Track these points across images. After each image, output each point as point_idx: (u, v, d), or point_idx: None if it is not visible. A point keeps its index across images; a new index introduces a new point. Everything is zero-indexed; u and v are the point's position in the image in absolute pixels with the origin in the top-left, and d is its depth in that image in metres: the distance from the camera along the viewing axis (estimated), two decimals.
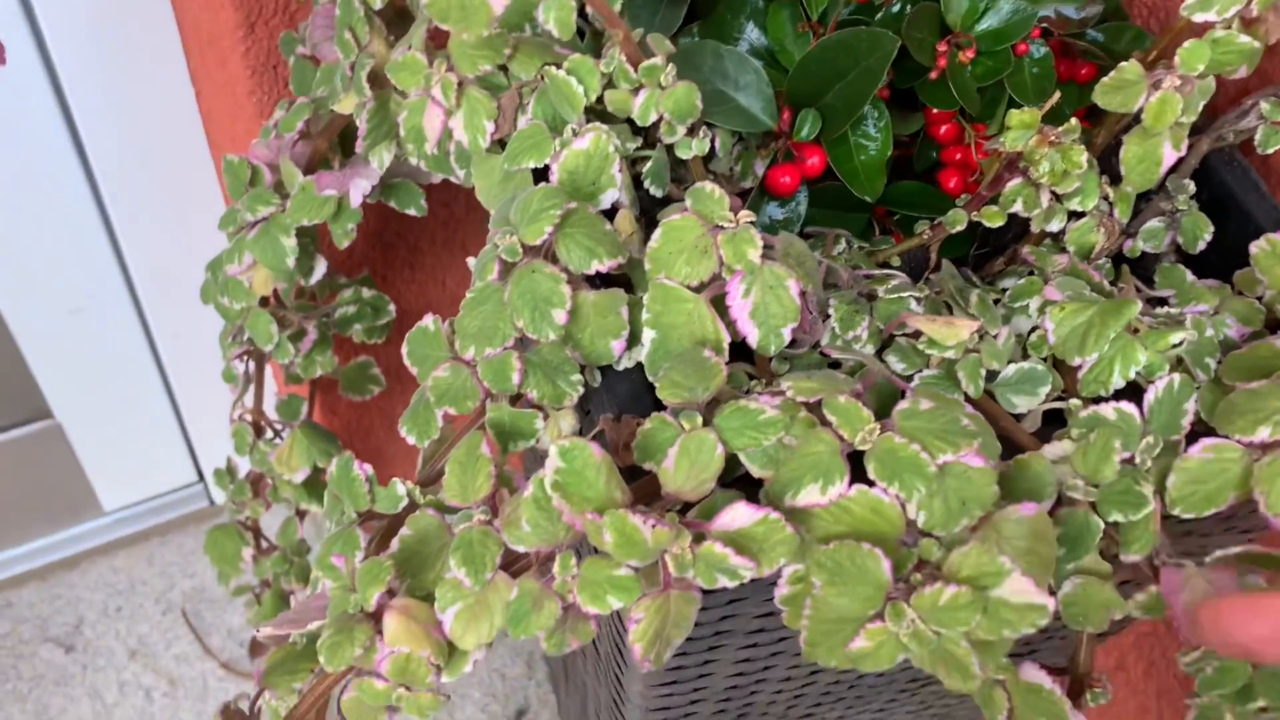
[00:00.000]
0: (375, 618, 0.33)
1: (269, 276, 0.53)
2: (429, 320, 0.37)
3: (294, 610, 0.36)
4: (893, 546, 0.32)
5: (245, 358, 0.64)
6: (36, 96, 0.73)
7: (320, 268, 0.55)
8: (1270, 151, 0.48)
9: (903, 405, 0.33)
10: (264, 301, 0.57)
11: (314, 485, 0.72)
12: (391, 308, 0.63)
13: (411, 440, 0.38)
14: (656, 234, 0.36)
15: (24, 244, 0.81)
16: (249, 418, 0.68)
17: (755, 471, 0.34)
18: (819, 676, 0.52)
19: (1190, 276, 0.45)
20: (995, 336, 0.39)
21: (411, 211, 0.53)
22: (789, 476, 0.33)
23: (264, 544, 0.78)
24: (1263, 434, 0.34)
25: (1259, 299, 0.43)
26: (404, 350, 0.38)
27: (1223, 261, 0.46)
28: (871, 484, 0.32)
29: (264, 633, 0.35)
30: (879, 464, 0.32)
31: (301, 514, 0.76)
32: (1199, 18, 0.38)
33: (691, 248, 0.36)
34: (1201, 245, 0.46)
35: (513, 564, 0.33)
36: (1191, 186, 0.47)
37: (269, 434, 0.70)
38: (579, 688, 0.75)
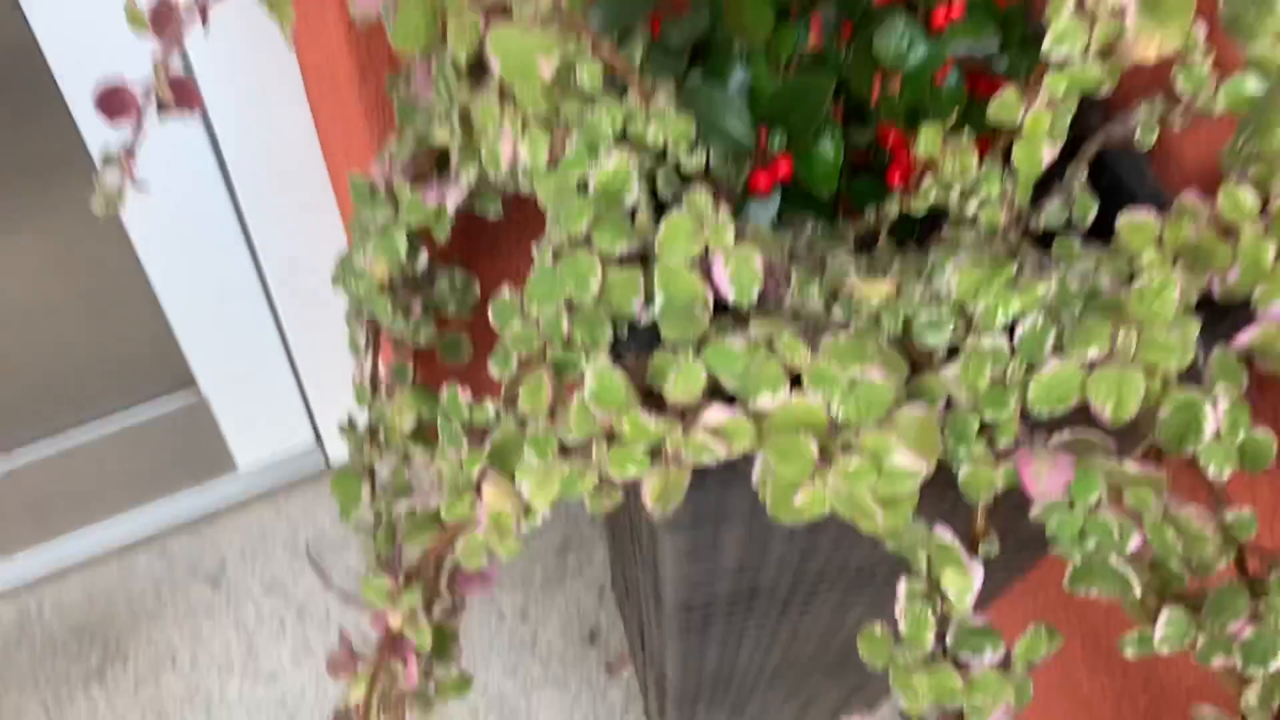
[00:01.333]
0: (477, 489, 0.49)
1: (387, 265, 0.70)
2: (506, 292, 0.54)
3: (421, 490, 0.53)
4: (821, 434, 0.47)
5: (366, 330, 0.81)
6: (192, 130, 0.91)
7: (423, 258, 0.72)
8: (1148, 146, 0.62)
9: (827, 338, 0.48)
10: (381, 286, 0.74)
11: (418, 434, 0.89)
12: (476, 288, 0.80)
13: (495, 375, 0.54)
14: (662, 227, 0.52)
15: (178, 243, 1.00)
16: (369, 380, 0.85)
17: (729, 388, 0.49)
18: (809, 564, 0.67)
19: (1078, 245, 0.59)
20: (913, 293, 0.54)
21: (491, 215, 0.70)
22: (750, 387, 0.48)
23: (378, 487, 0.95)
24: (1092, 353, 0.49)
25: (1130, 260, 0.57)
26: (490, 313, 0.54)
27: (1111, 231, 0.60)
28: (803, 389, 0.48)
29: (406, 505, 0.52)
30: (809, 377, 0.47)
31: (406, 460, 0.93)
32: (1056, 56, 0.52)
33: (687, 235, 0.51)
34: (1090, 220, 0.60)
35: (566, 452, 0.49)
36: (1084, 174, 0.61)
37: (383, 393, 0.87)
38: (635, 602, 0.91)
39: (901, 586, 0.54)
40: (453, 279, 0.79)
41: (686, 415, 0.49)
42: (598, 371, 0.48)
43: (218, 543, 1.25)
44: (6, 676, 1.13)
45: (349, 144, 0.87)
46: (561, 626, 1.21)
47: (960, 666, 0.53)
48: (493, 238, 0.90)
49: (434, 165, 0.69)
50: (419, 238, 0.71)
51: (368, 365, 0.85)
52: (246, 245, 1.04)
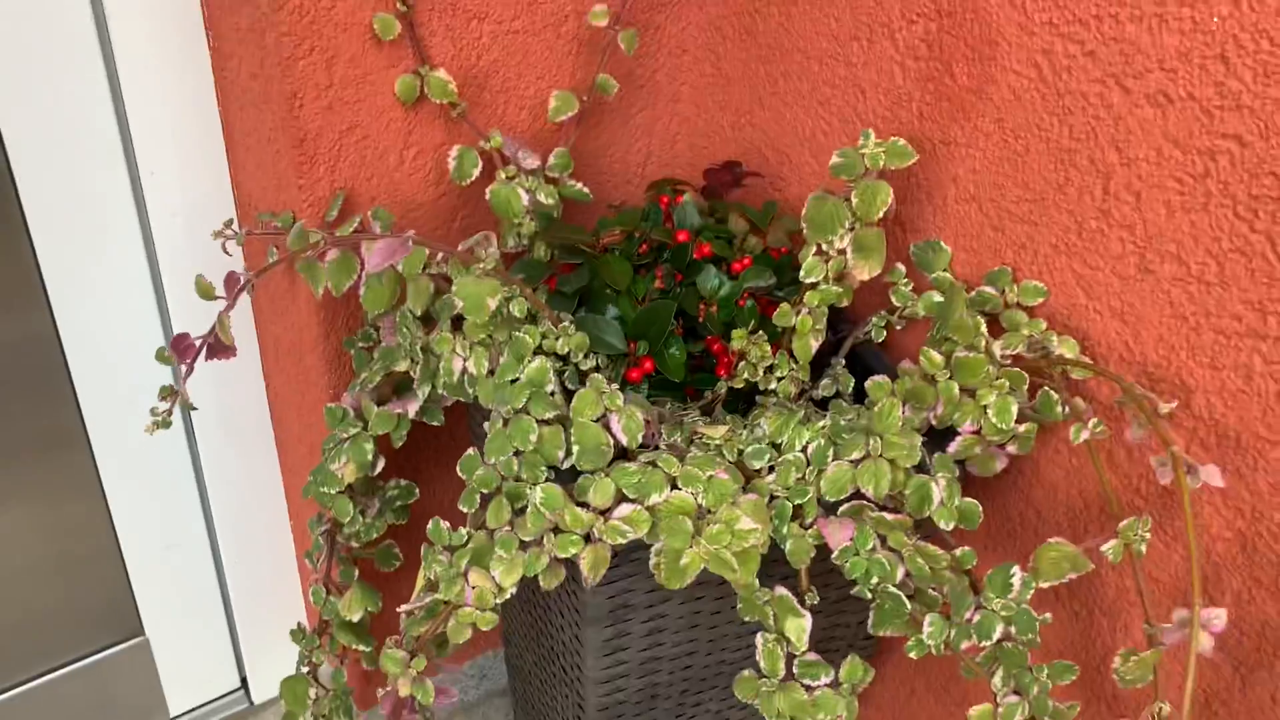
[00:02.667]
0: (464, 576, 0.71)
1: (355, 469, 0.93)
2: (471, 451, 0.78)
3: (415, 599, 0.74)
4: (692, 514, 0.72)
5: (326, 536, 1.02)
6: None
7: (381, 463, 0.95)
8: (881, 340, 0.94)
9: (691, 454, 0.75)
10: (346, 488, 0.96)
11: (361, 629, 1.08)
12: (417, 491, 1.03)
13: (464, 509, 0.77)
14: (575, 398, 0.78)
15: (149, 503, 1.19)
16: (323, 579, 1.05)
17: (630, 495, 0.74)
18: (695, 661, 0.90)
19: (845, 404, 0.88)
20: (740, 435, 0.81)
21: (435, 422, 0.95)
22: (645, 491, 0.73)
23: (322, 689, 1.12)
24: (855, 455, 0.77)
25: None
26: (459, 468, 0.78)
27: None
28: (679, 489, 0.73)
29: (406, 606, 0.73)
30: (681, 479, 0.73)
31: (343, 660, 1.11)
32: (808, 281, 0.84)
33: (591, 402, 0.78)
34: (850, 389, 0.90)
35: (524, 548, 0.73)
36: (843, 361, 0.92)
37: (334, 593, 1.06)
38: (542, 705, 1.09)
39: (759, 638, 0.78)
40: (398, 484, 1.02)
41: (605, 514, 0.73)
42: (544, 488, 0.72)
43: None
44: None
45: (302, 399, 1.11)
46: None
47: (806, 689, 0.76)
48: (433, 451, 1.14)
49: (392, 390, 0.94)
50: (378, 446, 0.95)
51: (324, 568, 1.05)
52: (201, 500, 1.23)
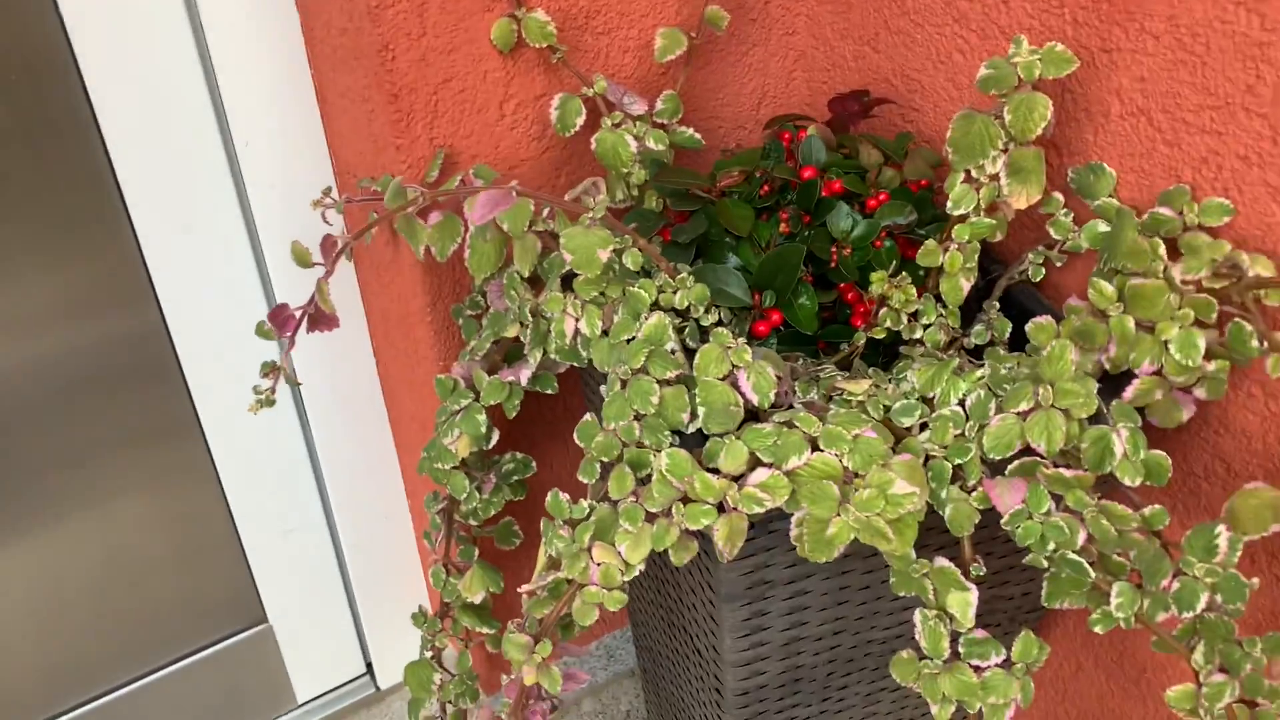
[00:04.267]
0: (588, 552, 0.65)
1: (469, 442, 0.88)
2: (588, 416, 0.72)
3: (536, 578, 0.68)
4: (839, 479, 0.64)
5: (443, 515, 0.97)
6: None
7: (495, 435, 0.89)
8: (1039, 279, 0.84)
9: (832, 411, 0.67)
10: (460, 464, 0.91)
11: (484, 610, 1.03)
12: (534, 464, 0.97)
13: (583, 480, 0.71)
14: (698, 355, 0.71)
15: (264, 489, 1.16)
16: (443, 560, 1.00)
17: (765, 459, 0.67)
18: (841, 641, 0.82)
19: (1002, 352, 0.79)
20: (887, 388, 0.73)
21: (549, 391, 0.89)
22: (781, 455, 0.65)
23: (447, 674, 1.08)
24: (1022, 405, 0.67)
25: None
26: (575, 435, 0.72)
27: (1026, 344, 0.80)
28: (821, 451, 0.65)
29: (527, 586, 0.67)
30: (824, 440, 0.65)
31: (467, 643, 1.06)
32: (957, 212, 0.74)
33: (717, 358, 0.70)
34: (1007, 335, 0.81)
35: (651, 519, 0.66)
36: (997, 305, 0.82)
37: (455, 573, 1.01)
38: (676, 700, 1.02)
39: (917, 615, 0.69)
40: (515, 457, 0.96)
41: (738, 480, 0.66)
42: (669, 453, 0.65)
43: None
44: None
45: (412, 373, 1.07)
46: None
47: (974, 669, 0.68)
48: (547, 428, 1.08)
49: (503, 359, 0.89)
50: (492, 419, 0.89)
51: (442, 548, 1.00)
52: (317, 483, 1.20)
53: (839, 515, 0.64)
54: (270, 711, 1.35)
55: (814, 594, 0.76)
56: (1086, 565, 0.66)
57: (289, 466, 1.17)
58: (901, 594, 0.71)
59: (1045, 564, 0.68)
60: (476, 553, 1.02)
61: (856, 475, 0.65)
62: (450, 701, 1.08)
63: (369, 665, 1.40)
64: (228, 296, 1.03)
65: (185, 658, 1.26)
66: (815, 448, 0.66)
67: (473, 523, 1.00)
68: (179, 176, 0.95)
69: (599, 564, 0.65)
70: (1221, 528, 0.63)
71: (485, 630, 1.04)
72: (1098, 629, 0.67)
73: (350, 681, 1.40)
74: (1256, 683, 0.64)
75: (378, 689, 1.40)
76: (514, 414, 0.86)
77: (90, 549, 1.12)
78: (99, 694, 1.21)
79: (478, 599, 1.00)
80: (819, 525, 0.64)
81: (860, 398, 0.71)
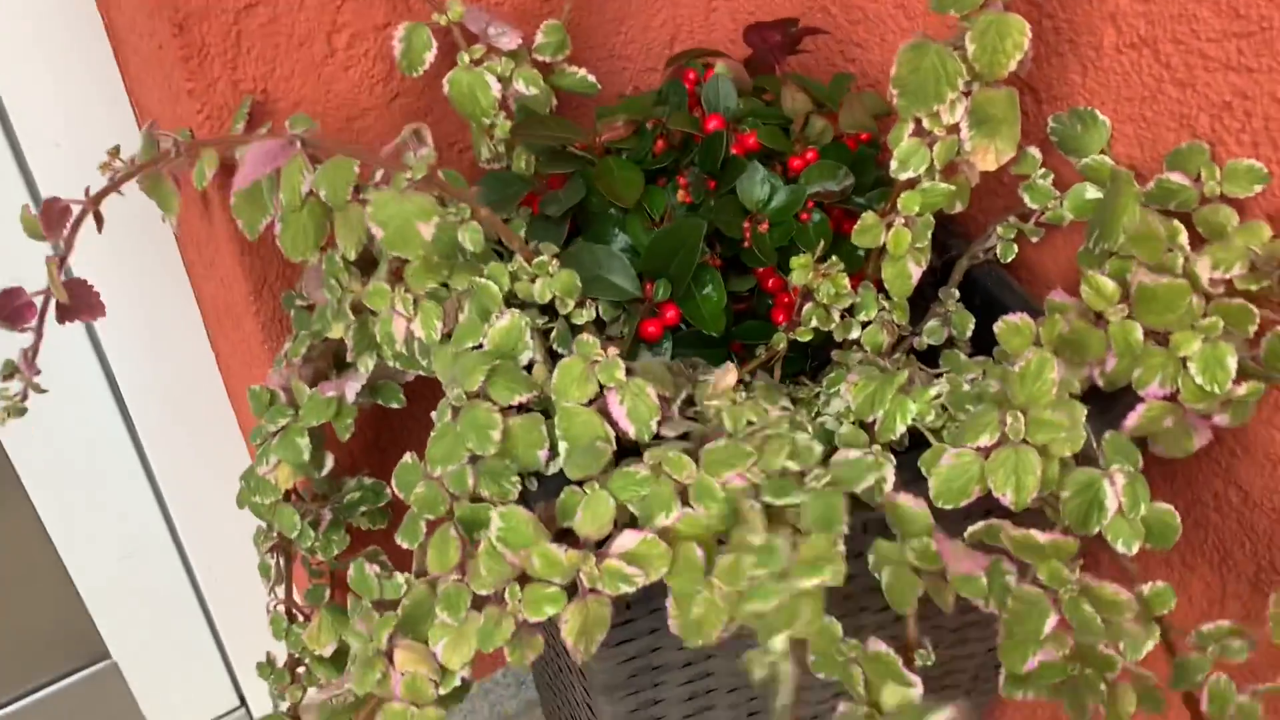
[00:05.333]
0: (389, 656, 0.47)
1: (290, 472, 0.69)
2: (408, 457, 0.53)
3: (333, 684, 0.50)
4: (709, 545, 0.47)
5: (275, 553, 0.79)
6: (88, 374, 0.91)
7: (329, 462, 0.71)
8: (1009, 259, 0.66)
9: (708, 446, 0.48)
10: (286, 496, 0.73)
11: (340, 660, 0.85)
12: (388, 490, 0.79)
13: (405, 545, 0.53)
14: (555, 373, 0.52)
15: (79, 499, 0.97)
16: (282, 607, 0.82)
17: (639, 514, 0.49)
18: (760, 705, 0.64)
19: (963, 357, 0.61)
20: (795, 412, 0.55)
21: (394, 405, 0.70)
22: (649, 509, 0.47)
23: None
24: (983, 440, 0.50)
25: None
26: (393, 481, 0.54)
27: (994, 342, 0.63)
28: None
29: (312, 696, 0.49)
30: (693, 493, 0.47)
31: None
32: (904, 176, 0.56)
33: (579, 377, 0.52)
34: (969, 333, 0.63)
35: (480, 605, 0.48)
36: (956, 293, 0.64)
37: (300, 619, 0.83)
38: None
39: (841, 711, 0.52)
40: (361, 483, 0.78)
41: (601, 547, 0.48)
42: (502, 513, 0.47)
43: None
44: None
45: (249, 372, 0.88)
46: None
47: None
48: (401, 440, 0.89)
49: (332, 365, 0.70)
50: (321, 440, 0.70)
51: (281, 591, 0.82)
52: (155, 498, 1.01)
53: (702, 591, 0.46)
54: None
55: (720, 674, 0.59)
56: (1059, 667, 0.48)
57: (115, 483, 0.97)
58: (824, 676, 0.53)
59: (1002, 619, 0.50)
60: (327, 594, 0.83)
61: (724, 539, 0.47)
62: None
63: (242, 698, 1.22)
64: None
65: (13, 701, 1.07)
66: (685, 500, 0.48)
67: (322, 558, 0.82)
68: None
69: (403, 673, 0.47)
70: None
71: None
72: (1071, 717, 0.50)
73: (223, 716, 1.21)
74: None
75: None
76: (347, 435, 0.68)
77: None
78: None
79: (328, 651, 0.81)
80: (685, 602, 0.47)
81: (717, 403, 0.53)
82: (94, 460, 0.96)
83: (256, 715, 1.23)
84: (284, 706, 0.89)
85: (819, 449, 0.50)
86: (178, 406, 0.96)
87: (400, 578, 0.51)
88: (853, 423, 0.55)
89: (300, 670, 0.88)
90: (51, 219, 0.55)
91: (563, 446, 0.52)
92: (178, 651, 1.13)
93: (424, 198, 0.53)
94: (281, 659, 0.88)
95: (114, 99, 0.79)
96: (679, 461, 0.47)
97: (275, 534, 0.78)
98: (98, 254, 0.82)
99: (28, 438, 0.91)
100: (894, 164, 0.56)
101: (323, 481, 0.78)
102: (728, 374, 0.52)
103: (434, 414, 0.55)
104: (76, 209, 0.56)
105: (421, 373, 0.63)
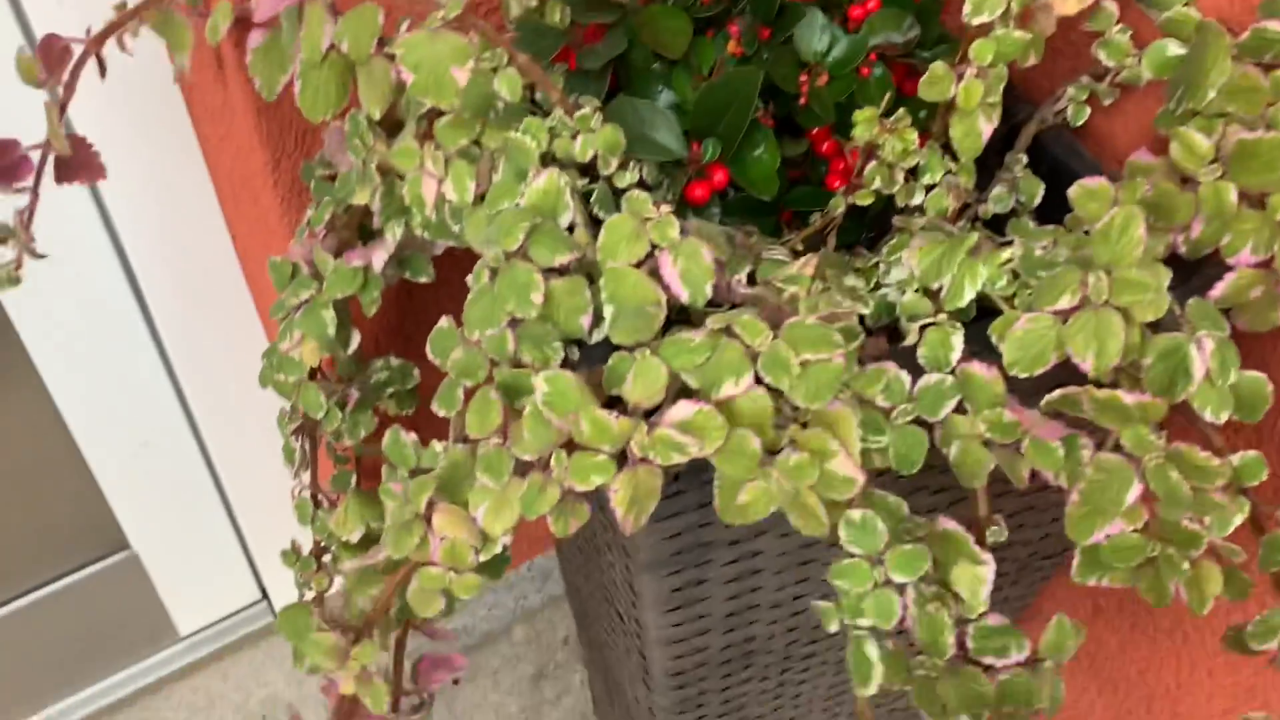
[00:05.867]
0: (426, 519, 0.44)
1: (315, 348, 0.66)
2: (444, 321, 0.50)
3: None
4: (767, 430, 0.43)
5: (299, 436, 0.76)
6: (100, 256, 0.87)
7: (355, 338, 0.68)
8: (1080, 123, 0.61)
9: (791, 321, 0.45)
10: (312, 375, 0.70)
11: (366, 546, 0.83)
12: (416, 372, 0.76)
13: (442, 413, 0.50)
14: (602, 231, 0.49)
15: (96, 387, 0.94)
16: (307, 493, 0.79)
17: (692, 384, 0.45)
18: (802, 607, 0.62)
19: (1033, 224, 0.57)
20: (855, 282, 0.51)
21: (423, 279, 0.66)
22: (712, 378, 0.44)
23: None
24: (1062, 302, 0.46)
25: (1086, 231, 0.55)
26: (428, 348, 0.50)
27: (1061, 215, 0.59)
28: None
29: (349, 565, 0.46)
30: (763, 362, 0.44)
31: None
32: (977, 21, 0.52)
33: (629, 235, 0.48)
34: (1037, 201, 0.59)
35: (522, 471, 0.45)
36: (1024, 158, 0.60)
37: (325, 505, 0.81)
38: (623, 706, 0.84)
39: (909, 595, 0.49)
40: (389, 364, 0.75)
41: (650, 417, 0.45)
42: (548, 376, 0.44)
43: (162, 717, 1.14)
44: None
45: (267, 248, 0.84)
46: None
47: (986, 670, 0.48)
48: (425, 324, 0.86)
49: (357, 236, 0.66)
50: (347, 316, 0.67)
51: (306, 476, 0.80)
52: (172, 385, 0.99)
53: (756, 480, 0.43)
54: (149, 647, 1.17)
55: (768, 554, 0.56)
56: (1141, 542, 0.45)
57: (131, 370, 0.95)
58: None
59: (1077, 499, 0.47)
60: (354, 479, 0.81)
61: (795, 418, 0.44)
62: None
63: (264, 591, 1.21)
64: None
65: (37, 589, 1.06)
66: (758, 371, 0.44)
67: (349, 442, 0.79)
68: None
69: (442, 537, 0.44)
70: None
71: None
72: (1150, 599, 0.48)
73: (242, 610, 1.21)
74: None
75: (275, 617, 1.22)
76: (373, 310, 0.64)
77: None
78: None
79: (355, 537, 0.79)
80: (731, 487, 0.44)
81: (794, 289, 0.49)
82: (108, 347, 0.93)
83: (278, 607, 1.22)
84: (309, 595, 0.88)
85: (907, 380, 0.47)
86: (192, 286, 0.92)
87: (437, 445, 0.48)
88: (917, 290, 0.52)
89: (325, 559, 0.86)
90: (51, 59, 0.51)
91: (608, 310, 0.48)
92: (197, 542, 1.12)
93: (458, 38, 0.49)
94: (306, 548, 0.86)
95: None
96: (754, 326, 0.44)
97: (300, 416, 0.75)
98: (108, 122, 0.78)
99: (43, 326, 0.88)
100: (967, 7, 0.51)
101: (348, 363, 0.75)
102: (808, 264, 0.48)
103: (469, 278, 0.52)
104: (78, 50, 0.52)
105: (451, 243, 0.60)
